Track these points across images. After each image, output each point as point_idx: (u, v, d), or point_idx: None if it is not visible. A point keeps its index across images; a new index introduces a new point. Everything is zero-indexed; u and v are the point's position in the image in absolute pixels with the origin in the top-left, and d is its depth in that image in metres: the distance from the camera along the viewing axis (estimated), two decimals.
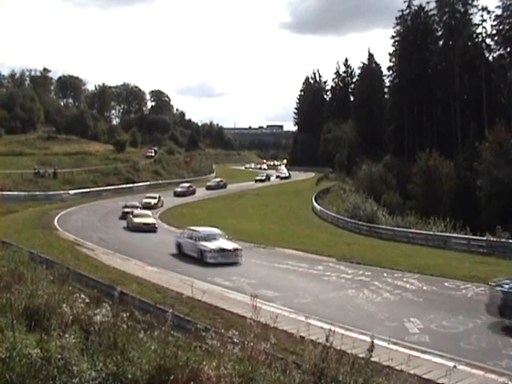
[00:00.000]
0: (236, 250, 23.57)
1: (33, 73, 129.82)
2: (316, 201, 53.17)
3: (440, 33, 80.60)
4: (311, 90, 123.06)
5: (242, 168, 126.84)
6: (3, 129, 78.84)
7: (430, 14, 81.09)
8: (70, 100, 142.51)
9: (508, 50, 72.57)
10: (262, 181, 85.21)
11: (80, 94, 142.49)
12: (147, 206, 45.27)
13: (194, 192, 65.16)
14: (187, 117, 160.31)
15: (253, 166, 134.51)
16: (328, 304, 15.97)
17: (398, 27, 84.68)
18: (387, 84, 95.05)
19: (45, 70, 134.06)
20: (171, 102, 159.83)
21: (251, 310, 6.95)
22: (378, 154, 76.23)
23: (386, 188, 59.73)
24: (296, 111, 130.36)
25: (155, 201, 50.07)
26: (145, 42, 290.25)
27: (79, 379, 5.37)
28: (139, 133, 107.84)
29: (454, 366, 7.70)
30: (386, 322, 14.03)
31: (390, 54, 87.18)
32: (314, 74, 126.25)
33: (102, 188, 63.22)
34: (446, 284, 18.76)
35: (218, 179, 77.58)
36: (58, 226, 34.64)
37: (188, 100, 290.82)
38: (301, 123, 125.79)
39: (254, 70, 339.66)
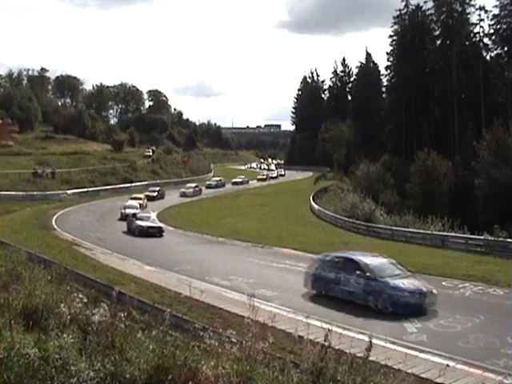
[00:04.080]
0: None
1: (30, 72, 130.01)
2: (314, 200, 53.17)
3: (437, 32, 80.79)
4: (309, 90, 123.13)
5: (243, 168, 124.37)
6: None
7: (427, 13, 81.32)
8: (68, 100, 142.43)
9: (505, 49, 72.74)
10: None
11: (78, 94, 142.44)
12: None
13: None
14: (185, 116, 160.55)
15: (254, 165, 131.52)
16: (327, 304, 15.97)
17: (395, 26, 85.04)
18: (385, 83, 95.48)
19: (42, 69, 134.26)
20: (169, 102, 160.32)
21: (249, 309, 6.95)
22: (376, 153, 76.31)
23: (384, 187, 59.79)
24: (294, 110, 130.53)
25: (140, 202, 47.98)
26: (143, 41, 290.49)
27: (77, 379, 5.36)
28: (137, 132, 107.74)
29: (447, 365, 7.70)
30: (385, 321, 14.05)
31: (387, 54, 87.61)
32: (312, 73, 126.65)
33: (99, 188, 63.15)
34: (443, 283, 18.79)
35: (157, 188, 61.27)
36: (55, 226, 34.63)
37: (186, 99, 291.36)
38: (299, 122, 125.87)
39: (252, 70, 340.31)
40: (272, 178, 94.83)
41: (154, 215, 34.65)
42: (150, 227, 32.84)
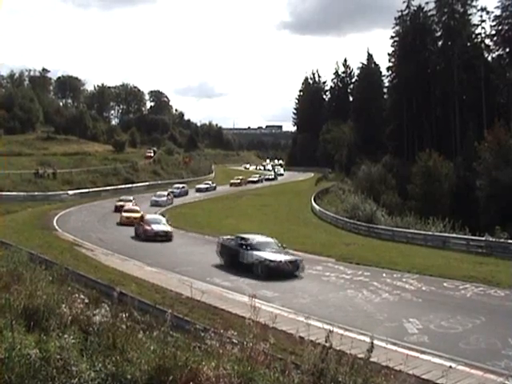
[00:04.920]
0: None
1: (32, 73, 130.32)
2: (315, 201, 53.22)
3: (439, 33, 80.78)
4: (310, 91, 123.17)
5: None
6: (2, 129, 78.77)
7: (429, 14, 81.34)
8: (69, 100, 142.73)
9: (507, 50, 72.71)
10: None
11: (79, 95, 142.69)
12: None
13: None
14: (186, 117, 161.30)
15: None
16: (327, 304, 15.95)
17: (397, 27, 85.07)
18: (386, 84, 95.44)
19: (44, 70, 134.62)
20: (170, 103, 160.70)
21: (250, 310, 6.95)
22: (377, 154, 76.35)
23: (385, 188, 59.81)
24: (295, 111, 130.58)
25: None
26: (145, 42, 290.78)
27: (78, 380, 5.37)
28: (138, 133, 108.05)
29: (450, 367, 7.70)
30: (385, 322, 14.01)
31: (389, 55, 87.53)
32: (314, 74, 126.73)
33: (101, 188, 63.24)
34: (444, 284, 18.76)
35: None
36: (57, 227, 34.60)
37: (187, 100, 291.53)
38: (300, 123, 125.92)
39: (254, 71, 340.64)
40: (252, 182, 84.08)
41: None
42: (282, 262, 20.43)
